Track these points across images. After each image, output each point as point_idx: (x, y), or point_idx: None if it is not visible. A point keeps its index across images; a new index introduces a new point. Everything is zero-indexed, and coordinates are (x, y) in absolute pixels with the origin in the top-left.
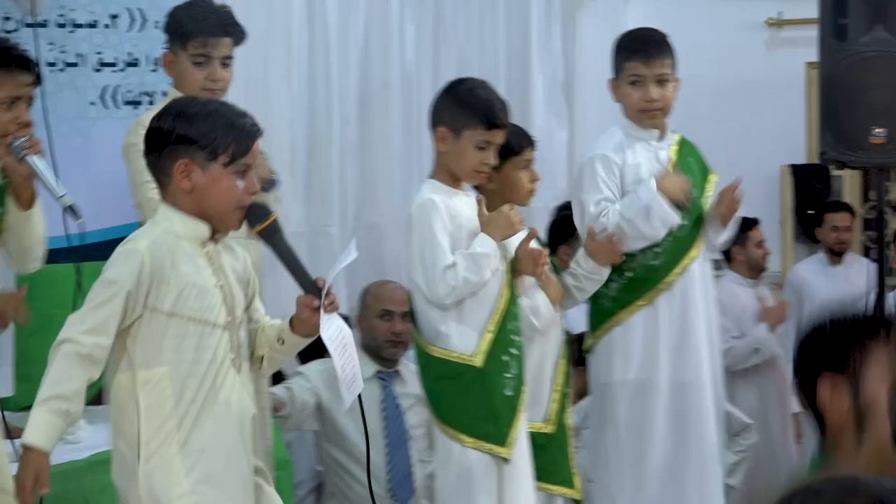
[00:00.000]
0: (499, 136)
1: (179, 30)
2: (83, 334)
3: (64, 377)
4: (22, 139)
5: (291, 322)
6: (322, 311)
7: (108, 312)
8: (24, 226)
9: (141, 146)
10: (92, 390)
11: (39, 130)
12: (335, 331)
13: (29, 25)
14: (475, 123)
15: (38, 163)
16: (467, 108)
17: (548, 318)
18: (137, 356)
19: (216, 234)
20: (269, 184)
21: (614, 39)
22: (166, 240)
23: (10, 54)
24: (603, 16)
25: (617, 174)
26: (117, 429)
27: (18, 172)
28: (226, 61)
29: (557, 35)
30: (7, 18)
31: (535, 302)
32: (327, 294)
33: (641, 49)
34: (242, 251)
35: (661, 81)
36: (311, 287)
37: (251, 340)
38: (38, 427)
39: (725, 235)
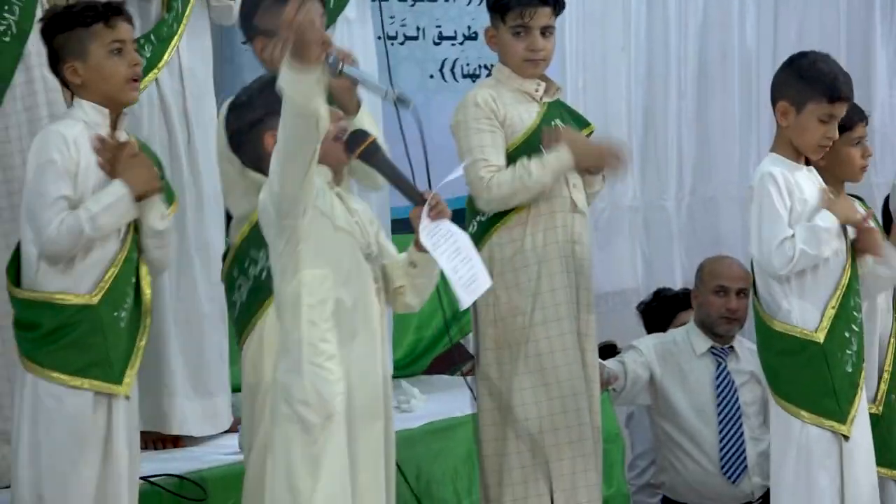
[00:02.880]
0: (842, 109)
1: (498, 3)
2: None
3: None
4: (333, 54)
5: (416, 242)
6: (427, 218)
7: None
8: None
9: (470, 123)
10: None
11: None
12: (442, 235)
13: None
14: (818, 97)
15: (356, 70)
16: (810, 81)
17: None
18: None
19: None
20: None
21: None
22: None
23: None
24: None
25: None
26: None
27: (340, 86)
28: (546, 31)
29: None
30: None
31: None
32: (436, 204)
33: None
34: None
35: None
36: (420, 199)
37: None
38: None
39: None
